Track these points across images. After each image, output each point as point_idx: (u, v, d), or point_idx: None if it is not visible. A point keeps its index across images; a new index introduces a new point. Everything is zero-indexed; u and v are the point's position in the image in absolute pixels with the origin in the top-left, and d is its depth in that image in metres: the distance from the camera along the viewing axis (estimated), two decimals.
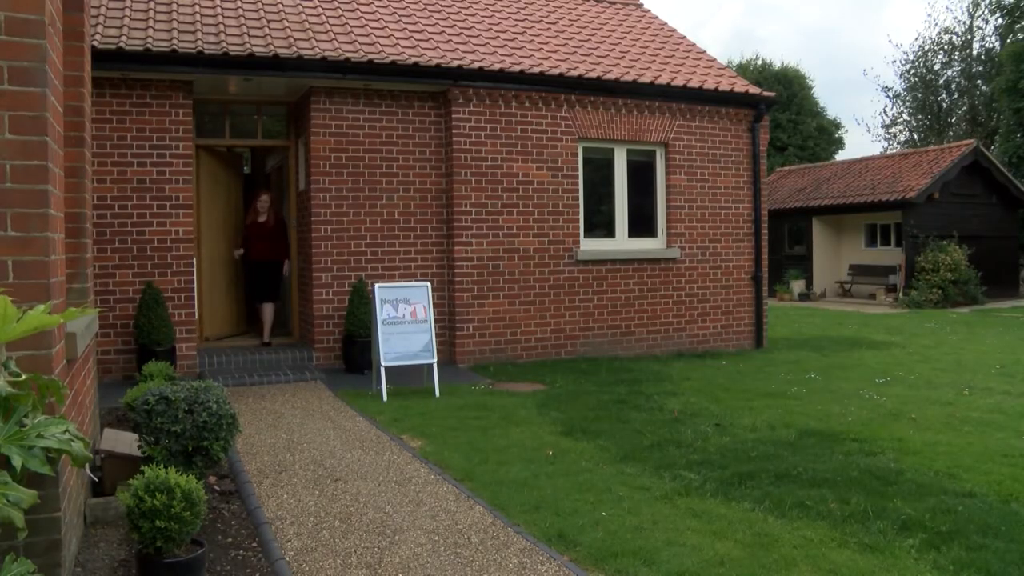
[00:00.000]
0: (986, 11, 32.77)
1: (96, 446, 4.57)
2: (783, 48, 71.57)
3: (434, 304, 8.81)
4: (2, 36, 2.84)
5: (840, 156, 35.39)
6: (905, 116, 36.21)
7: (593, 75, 10.09)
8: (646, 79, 10.40)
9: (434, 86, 9.45)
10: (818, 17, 74.22)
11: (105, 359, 8.22)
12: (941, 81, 34.65)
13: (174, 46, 8.20)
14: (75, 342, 3.47)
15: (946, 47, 34.40)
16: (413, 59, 9.17)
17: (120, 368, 8.35)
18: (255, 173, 12.77)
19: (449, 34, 10.47)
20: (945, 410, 7.03)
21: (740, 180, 11.17)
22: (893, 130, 36.79)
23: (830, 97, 60.63)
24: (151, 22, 8.81)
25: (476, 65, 9.48)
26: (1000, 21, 31.32)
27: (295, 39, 9.07)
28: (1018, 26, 28.62)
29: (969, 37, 33.73)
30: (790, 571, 3.57)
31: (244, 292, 10.29)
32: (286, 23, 9.55)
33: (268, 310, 9.78)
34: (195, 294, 8.82)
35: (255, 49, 8.53)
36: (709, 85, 10.80)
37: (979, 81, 33.07)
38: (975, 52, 33.50)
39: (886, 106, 46.17)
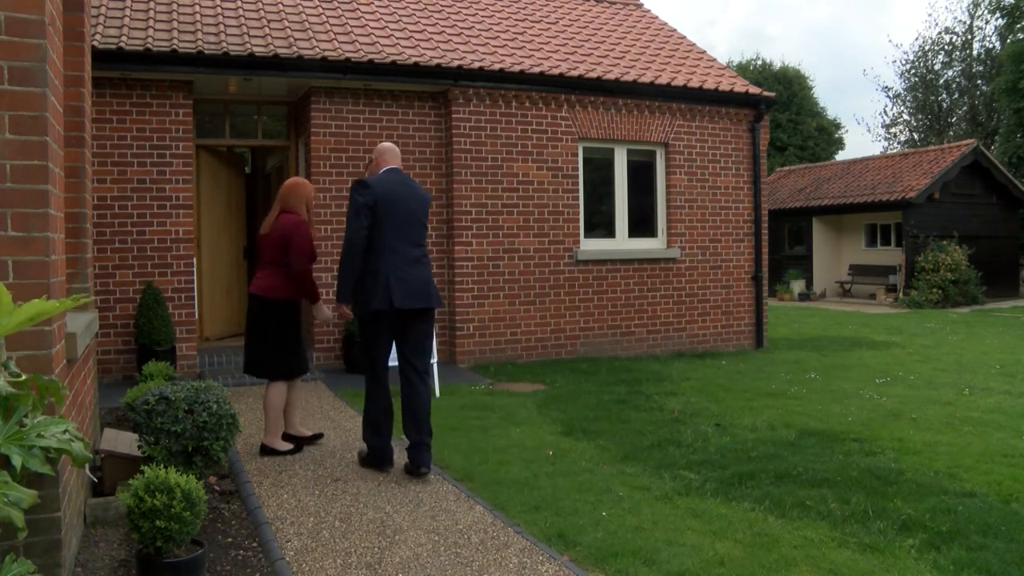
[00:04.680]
0: (986, 11, 32.80)
1: (96, 446, 4.57)
2: (790, 47, 71.68)
3: None
4: (2, 36, 2.84)
5: (840, 156, 35.46)
6: (905, 116, 36.24)
7: (593, 75, 10.09)
8: (646, 79, 10.40)
9: (434, 86, 9.45)
10: (825, 16, 74.34)
11: (105, 359, 8.22)
12: (941, 81, 34.65)
13: (174, 46, 8.20)
14: (75, 342, 3.48)
15: (946, 47, 34.41)
16: (413, 59, 9.18)
17: (120, 368, 8.36)
18: (255, 173, 12.77)
19: (449, 34, 10.47)
20: (945, 410, 7.03)
21: (740, 180, 11.17)
22: (893, 130, 36.85)
23: (830, 97, 60.71)
24: (151, 22, 8.81)
25: (476, 65, 9.48)
26: (1000, 21, 31.35)
27: (295, 39, 9.07)
28: (1018, 26, 28.62)
29: (969, 37, 33.75)
30: (790, 571, 3.57)
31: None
32: (286, 23, 9.55)
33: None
34: (195, 294, 8.81)
35: (255, 49, 8.54)
36: (709, 85, 10.80)
37: (979, 81, 33.07)
38: (975, 52, 33.51)
39: (886, 106, 46.23)
